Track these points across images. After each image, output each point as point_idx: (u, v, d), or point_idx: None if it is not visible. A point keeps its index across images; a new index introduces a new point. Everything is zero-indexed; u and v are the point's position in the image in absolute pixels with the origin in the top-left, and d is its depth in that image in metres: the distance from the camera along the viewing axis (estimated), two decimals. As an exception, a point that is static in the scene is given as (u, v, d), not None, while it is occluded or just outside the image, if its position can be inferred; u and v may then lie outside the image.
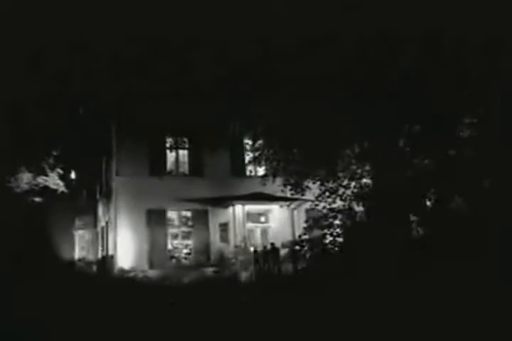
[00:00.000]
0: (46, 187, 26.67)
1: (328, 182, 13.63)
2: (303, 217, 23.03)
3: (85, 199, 28.30)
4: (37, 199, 26.85)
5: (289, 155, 14.38)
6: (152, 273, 19.83)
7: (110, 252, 21.41)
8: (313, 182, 14.36)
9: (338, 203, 13.93)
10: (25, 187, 26.36)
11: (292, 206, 22.82)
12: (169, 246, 21.41)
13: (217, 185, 22.11)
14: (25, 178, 26.40)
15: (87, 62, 23.05)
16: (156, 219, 21.06)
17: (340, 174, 13.42)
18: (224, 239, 21.94)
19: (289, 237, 22.28)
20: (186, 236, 21.93)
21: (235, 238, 21.57)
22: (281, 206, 22.96)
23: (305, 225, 17.23)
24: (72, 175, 28.90)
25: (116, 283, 18.05)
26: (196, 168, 22.28)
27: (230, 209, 22.05)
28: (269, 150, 14.38)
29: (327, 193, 13.69)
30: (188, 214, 22.07)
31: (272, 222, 23.15)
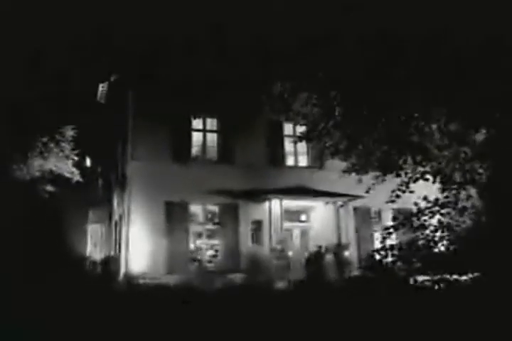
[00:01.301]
0: (59, 176, 23.43)
1: (422, 162, 9.82)
2: (351, 216, 19.33)
3: (101, 190, 25.08)
4: (49, 188, 23.61)
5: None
6: (169, 279, 16.39)
7: (123, 251, 18.04)
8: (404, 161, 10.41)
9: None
10: (36, 174, 23.19)
11: (339, 203, 19.11)
12: (191, 247, 17.94)
13: (251, 176, 18.55)
14: (37, 165, 23.24)
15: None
16: (176, 213, 17.62)
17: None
18: (257, 239, 18.39)
19: (333, 240, 18.57)
20: (212, 235, 18.43)
21: (269, 239, 17.97)
22: (327, 203, 19.26)
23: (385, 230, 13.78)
24: (88, 163, 25.75)
25: (116, 292, 14.65)
26: (226, 154, 18.75)
27: (266, 204, 18.47)
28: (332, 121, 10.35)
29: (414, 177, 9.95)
30: (215, 208, 18.57)
31: (314, 221, 19.46)
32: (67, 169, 22.82)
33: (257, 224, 18.55)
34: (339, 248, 18.30)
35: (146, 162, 17.61)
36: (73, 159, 23.08)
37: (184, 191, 17.76)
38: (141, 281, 16.00)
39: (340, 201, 19.06)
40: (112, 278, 16.54)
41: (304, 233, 19.51)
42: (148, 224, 17.27)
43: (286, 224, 18.58)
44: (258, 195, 18.29)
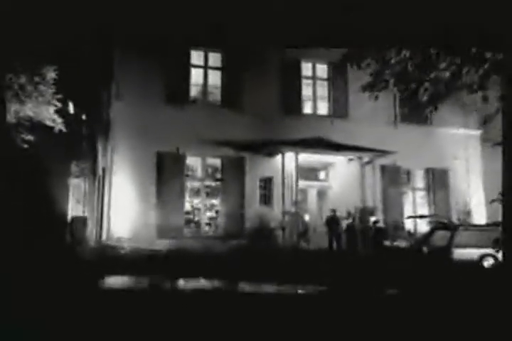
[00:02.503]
0: (39, 124, 20.06)
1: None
2: (377, 176, 16.26)
3: (85, 140, 21.85)
4: (27, 137, 20.27)
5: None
6: (160, 245, 13.49)
7: (105, 211, 15.02)
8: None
9: None
10: (12, 120, 19.85)
11: (365, 159, 16.01)
12: (187, 207, 14.95)
13: (261, 124, 15.41)
14: (13, 111, 19.89)
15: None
16: (170, 167, 14.55)
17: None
18: (266, 200, 15.38)
19: (356, 203, 15.55)
20: (212, 193, 15.41)
21: (282, 200, 14.96)
22: (350, 159, 16.15)
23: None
24: (71, 110, 22.40)
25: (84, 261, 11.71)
26: (232, 97, 15.48)
27: (277, 158, 15.39)
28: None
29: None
30: (217, 162, 15.50)
31: (334, 180, 16.41)
32: (48, 116, 19.39)
33: (267, 182, 15.53)
34: (364, 212, 15.31)
35: (133, 103, 14.37)
36: (55, 105, 19.56)
37: (180, 140, 14.65)
38: (124, 247, 13.11)
39: (365, 157, 15.94)
40: (82, 243, 13.56)
41: (321, 194, 16.50)
42: (135, 179, 14.21)
43: (302, 183, 15.54)
44: (269, 148, 15.18)
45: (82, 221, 15.47)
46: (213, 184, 15.39)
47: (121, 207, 13.88)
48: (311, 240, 15.20)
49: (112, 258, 12.64)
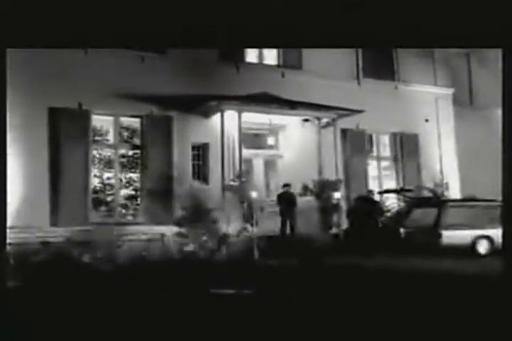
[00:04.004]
0: None
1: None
2: (338, 141, 13.17)
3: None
4: None
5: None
6: (56, 234, 9.80)
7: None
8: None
9: None
10: None
11: (324, 120, 12.83)
12: (94, 183, 11.21)
13: (192, 73, 11.78)
14: None
15: None
16: (68, 128, 10.69)
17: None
18: (201, 173, 11.91)
19: (312, 175, 12.34)
20: (129, 164, 11.72)
21: (221, 173, 11.54)
22: (305, 120, 12.90)
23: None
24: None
25: None
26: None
27: (215, 119, 11.91)
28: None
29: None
30: (135, 123, 11.77)
31: (285, 148, 13.14)
32: None
33: (202, 150, 12.04)
34: (325, 187, 12.15)
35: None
36: None
37: (83, 93, 10.80)
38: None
39: (325, 117, 12.75)
40: None
41: (270, 165, 13.19)
42: (20, 145, 10.26)
43: (246, 152, 12.20)
44: (204, 104, 11.62)
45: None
46: (130, 152, 11.71)
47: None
48: (259, 223, 11.88)
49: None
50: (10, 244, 9.51)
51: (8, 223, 9.75)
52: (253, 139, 13.03)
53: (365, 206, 11.59)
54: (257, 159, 13.10)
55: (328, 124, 12.89)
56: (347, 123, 13.25)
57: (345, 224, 12.14)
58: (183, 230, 10.25)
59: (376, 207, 11.84)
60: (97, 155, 11.30)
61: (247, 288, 6.67)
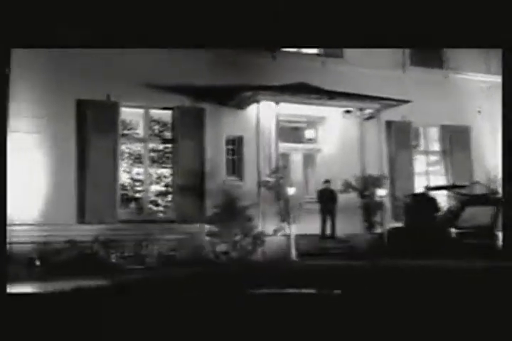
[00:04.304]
0: None
1: None
2: (382, 134, 12.27)
3: None
4: None
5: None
6: (82, 232, 9.35)
7: None
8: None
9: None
10: None
11: (367, 112, 11.96)
12: (123, 179, 10.69)
13: (226, 62, 11.12)
14: None
15: None
16: (96, 121, 10.18)
17: None
18: (235, 168, 11.25)
19: (354, 171, 11.47)
20: (160, 159, 11.15)
21: (257, 168, 10.85)
22: (347, 111, 12.04)
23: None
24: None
25: None
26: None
27: (250, 110, 11.22)
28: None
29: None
30: (166, 115, 11.19)
31: (324, 142, 12.32)
32: None
33: (237, 144, 11.38)
34: (367, 183, 11.29)
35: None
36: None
37: (112, 84, 10.29)
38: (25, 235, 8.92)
39: (367, 108, 11.87)
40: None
41: (308, 159, 12.41)
42: (45, 139, 9.82)
43: (283, 146, 11.47)
44: (238, 94, 10.93)
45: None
46: (161, 146, 11.12)
47: (25, 178, 9.50)
48: (297, 222, 11.11)
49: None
50: (36, 242, 9.16)
51: (34, 220, 9.37)
52: (291, 132, 12.28)
53: (423, 204, 10.77)
54: (295, 153, 12.33)
55: (371, 116, 12.01)
56: (392, 114, 12.32)
57: (389, 223, 11.30)
58: (215, 229, 9.62)
59: (433, 205, 10.96)
60: (126, 150, 10.76)
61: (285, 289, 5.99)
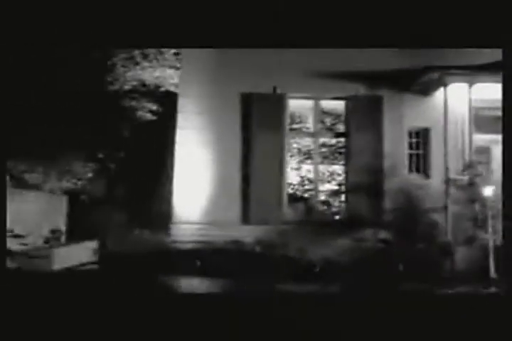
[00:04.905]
0: (156, 90, 16.08)
1: None
2: None
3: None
4: (152, 106, 16.37)
5: None
6: (246, 233, 8.81)
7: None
8: None
9: None
10: (125, 88, 16.29)
11: None
12: (291, 177, 9.85)
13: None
14: (128, 76, 16.42)
15: None
16: (262, 115, 9.54)
17: None
18: (419, 165, 9.72)
19: None
20: (331, 155, 10.10)
21: (445, 164, 9.19)
22: None
23: None
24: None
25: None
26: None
27: (437, 97, 9.55)
28: None
29: None
30: (339, 107, 10.09)
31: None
32: (171, 81, 14.98)
33: (421, 137, 9.82)
34: None
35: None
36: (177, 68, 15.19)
37: (278, 75, 9.56)
38: (187, 235, 8.69)
39: None
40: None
41: None
42: (209, 135, 9.49)
43: (479, 137, 9.55)
44: (422, 77, 9.38)
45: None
46: (333, 141, 10.08)
47: (189, 176, 9.26)
48: (497, 229, 9.14)
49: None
50: (199, 241, 8.86)
51: (196, 219, 9.09)
52: (490, 121, 10.24)
53: None
54: (496, 147, 10.25)
55: None
56: None
57: None
58: (389, 235, 8.27)
59: None
60: (294, 145, 9.94)
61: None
